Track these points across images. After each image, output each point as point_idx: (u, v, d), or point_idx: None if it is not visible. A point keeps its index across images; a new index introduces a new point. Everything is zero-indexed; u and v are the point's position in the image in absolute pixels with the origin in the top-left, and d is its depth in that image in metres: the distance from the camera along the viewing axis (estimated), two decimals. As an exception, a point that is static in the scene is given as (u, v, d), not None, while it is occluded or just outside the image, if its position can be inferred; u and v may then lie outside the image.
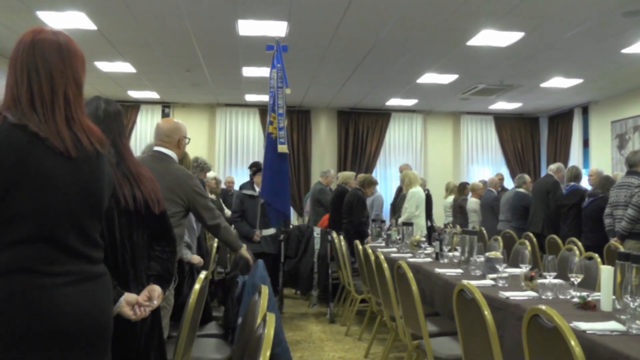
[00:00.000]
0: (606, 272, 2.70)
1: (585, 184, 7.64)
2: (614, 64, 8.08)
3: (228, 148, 11.80)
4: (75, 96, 1.61)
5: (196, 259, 3.75)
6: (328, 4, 5.81)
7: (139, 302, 1.84)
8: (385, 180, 12.02)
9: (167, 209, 2.12)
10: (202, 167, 5.45)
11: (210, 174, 6.42)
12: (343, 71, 8.69)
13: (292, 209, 10.60)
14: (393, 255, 5.29)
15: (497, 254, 3.64)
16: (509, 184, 10.61)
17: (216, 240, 5.06)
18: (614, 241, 5.34)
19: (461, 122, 12.46)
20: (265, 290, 2.32)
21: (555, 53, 7.52)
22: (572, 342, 1.91)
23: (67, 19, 6.24)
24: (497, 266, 3.51)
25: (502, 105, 11.45)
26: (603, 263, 4.14)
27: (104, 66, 8.47)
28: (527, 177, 7.84)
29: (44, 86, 1.56)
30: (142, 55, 7.94)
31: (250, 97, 10.94)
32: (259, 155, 10.83)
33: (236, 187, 8.43)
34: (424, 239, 5.67)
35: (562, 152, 11.76)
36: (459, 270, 4.10)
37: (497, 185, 9.11)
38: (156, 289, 1.93)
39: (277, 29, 6.51)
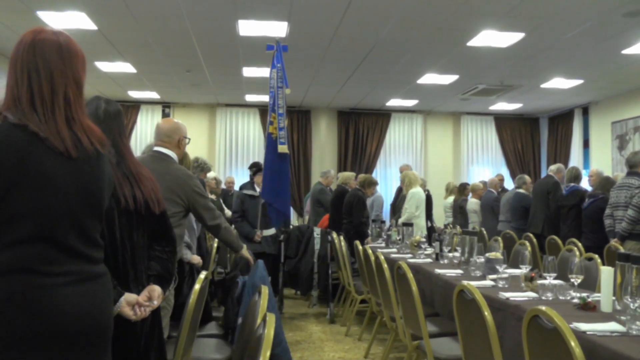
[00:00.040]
0: (606, 273, 2.70)
1: (585, 184, 7.64)
2: (614, 64, 8.08)
3: (228, 148, 11.80)
4: (76, 96, 1.61)
5: (196, 259, 3.75)
6: (328, 5, 5.81)
7: (139, 302, 1.84)
8: (386, 181, 12.02)
9: (167, 209, 2.12)
10: (202, 167, 5.45)
11: (210, 174, 6.42)
12: (343, 71, 8.69)
13: (292, 209, 10.59)
14: (393, 255, 5.28)
15: (497, 254, 3.64)
16: (509, 184, 10.61)
17: (216, 240, 5.05)
18: (614, 242, 5.33)
19: (461, 122, 12.46)
20: (265, 290, 2.32)
21: (556, 54, 7.52)
22: (572, 343, 1.91)
23: (68, 19, 6.25)
24: (497, 267, 3.52)
25: (503, 105, 11.45)
26: (603, 264, 4.14)
27: (104, 66, 8.47)
28: (527, 177, 7.84)
29: (44, 86, 1.56)
30: (142, 55, 7.94)
31: (250, 98, 10.94)
32: (259, 156, 10.83)
33: (236, 188, 8.43)
34: (424, 239, 5.66)
35: (562, 153, 11.76)
36: (459, 271, 4.10)
37: (497, 185, 9.11)
38: (156, 289, 1.93)
39: (277, 29, 6.51)
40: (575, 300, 2.80)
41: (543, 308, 2.09)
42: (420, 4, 5.78)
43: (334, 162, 11.94)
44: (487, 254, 3.76)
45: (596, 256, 4.02)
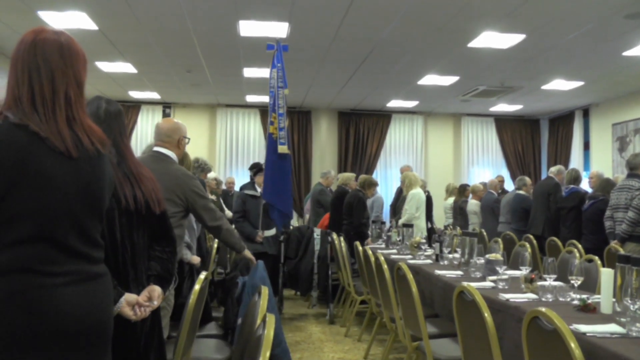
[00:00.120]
0: (606, 275, 2.70)
1: (585, 186, 7.64)
2: (615, 66, 8.08)
3: (228, 149, 11.80)
4: (77, 96, 1.61)
5: (196, 259, 3.75)
6: (329, 5, 5.81)
7: (139, 302, 1.84)
8: (386, 182, 12.02)
9: (167, 209, 2.12)
10: (202, 167, 5.46)
11: (210, 175, 6.42)
12: (344, 72, 8.70)
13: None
14: (393, 256, 5.29)
15: (497, 255, 3.65)
16: (509, 186, 10.61)
17: (216, 240, 5.05)
18: (614, 244, 5.33)
19: (462, 123, 12.46)
20: (265, 290, 2.32)
21: (556, 55, 7.53)
22: (572, 345, 1.91)
23: (69, 18, 6.25)
24: (497, 268, 3.52)
25: (503, 107, 11.45)
26: (603, 266, 4.13)
27: (105, 66, 8.48)
28: (527, 179, 7.84)
29: (45, 86, 1.56)
30: (143, 55, 7.94)
31: (250, 98, 10.95)
32: (259, 156, 10.83)
33: (236, 188, 8.43)
34: (424, 240, 5.67)
35: (562, 155, 11.76)
36: (459, 272, 4.10)
37: (497, 187, 9.11)
38: (156, 289, 1.93)
39: (278, 29, 6.51)
40: (575, 302, 2.80)
41: (543, 309, 2.09)
42: (421, 5, 5.78)
43: (334, 163, 11.95)
44: (487, 255, 3.76)
45: (596, 258, 4.02)
